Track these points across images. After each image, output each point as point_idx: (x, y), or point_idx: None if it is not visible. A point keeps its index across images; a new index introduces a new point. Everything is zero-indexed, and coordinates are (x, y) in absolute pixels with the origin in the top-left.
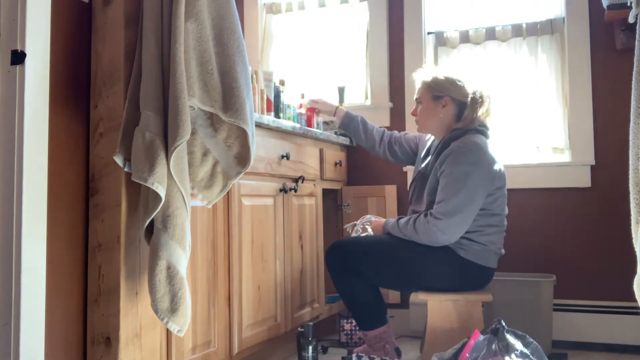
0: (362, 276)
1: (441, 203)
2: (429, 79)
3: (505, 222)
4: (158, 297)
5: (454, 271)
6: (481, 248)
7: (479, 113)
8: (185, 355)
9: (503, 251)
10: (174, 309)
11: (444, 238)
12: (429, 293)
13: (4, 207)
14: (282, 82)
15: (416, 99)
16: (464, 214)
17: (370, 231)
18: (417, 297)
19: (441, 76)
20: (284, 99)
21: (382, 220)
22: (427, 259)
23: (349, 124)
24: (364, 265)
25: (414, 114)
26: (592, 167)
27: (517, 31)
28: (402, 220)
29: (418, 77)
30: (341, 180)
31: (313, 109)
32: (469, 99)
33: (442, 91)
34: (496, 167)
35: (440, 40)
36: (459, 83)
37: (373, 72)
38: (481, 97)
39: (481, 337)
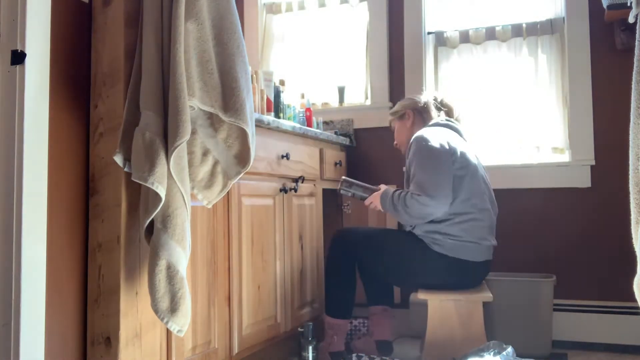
0: (363, 265)
1: (413, 181)
2: (390, 112)
3: (486, 213)
4: (158, 297)
5: (434, 267)
6: (455, 241)
7: (441, 114)
8: (185, 355)
9: (490, 243)
10: (174, 308)
11: (428, 211)
12: (429, 293)
13: (4, 207)
14: (282, 82)
15: (392, 131)
16: (438, 183)
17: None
18: (417, 297)
19: (397, 104)
20: (284, 99)
21: (380, 189)
22: (410, 255)
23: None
24: (367, 256)
25: (395, 144)
26: (592, 167)
27: (517, 31)
28: (397, 193)
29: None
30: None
31: (311, 110)
32: (425, 104)
33: (402, 110)
34: (454, 147)
35: (440, 40)
36: (414, 98)
37: (373, 72)
38: (441, 102)
39: None
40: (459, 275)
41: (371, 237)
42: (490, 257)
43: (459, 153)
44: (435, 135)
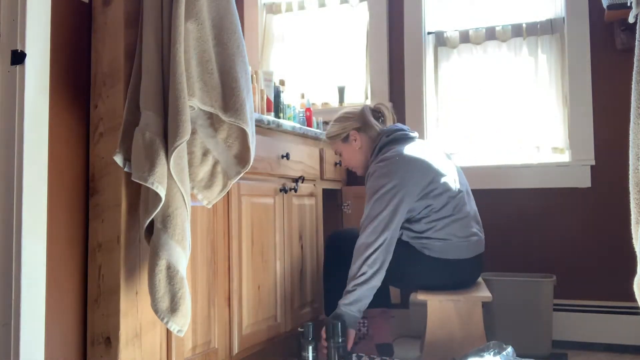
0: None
1: (363, 220)
2: (327, 135)
3: (463, 208)
4: (158, 297)
5: (427, 270)
6: (443, 243)
7: (385, 123)
8: (185, 355)
9: (478, 237)
10: (174, 308)
11: (364, 242)
12: (428, 293)
13: (4, 207)
14: (282, 82)
15: (337, 154)
16: (378, 220)
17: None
18: (417, 297)
19: (332, 125)
20: (284, 99)
21: (351, 333)
22: (403, 260)
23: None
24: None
25: (344, 167)
26: (592, 167)
27: (517, 31)
28: (348, 289)
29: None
30: (341, 180)
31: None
32: (362, 116)
33: (343, 132)
34: (415, 167)
35: (440, 40)
36: (347, 115)
37: (373, 72)
38: (374, 109)
39: None
40: (454, 275)
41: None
42: (482, 250)
43: (429, 169)
44: (403, 164)
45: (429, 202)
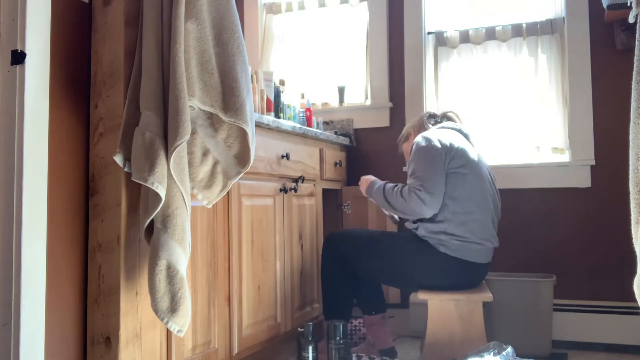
0: (355, 270)
1: (413, 176)
2: (398, 139)
3: (488, 215)
4: (158, 297)
5: (439, 268)
6: (461, 242)
7: (432, 123)
8: (185, 355)
9: (492, 245)
10: (174, 309)
11: (423, 209)
12: (429, 293)
13: (4, 207)
14: (282, 82)
15: (404, 155)
16: (435, 182)
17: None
18: (417, 297)
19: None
20: (284, 99)
21: (371, 178)
22: (414, 257)
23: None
24: (359, 261)
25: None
26: (592, 167)
27: (517, 31)
28: (389, 185)
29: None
30: (341, 180)
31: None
32: (423, 120)
33: (406, 132)
34: (451, 144)
35: (440, 40)
36: (413, 119)
37: (373, 72)
38: (434, 115)
39: None
40: (463, 277)
41: (365, 243)
42: (490, 260)
43: (459, 151)
44: (433, 135)
45: (458, 182)
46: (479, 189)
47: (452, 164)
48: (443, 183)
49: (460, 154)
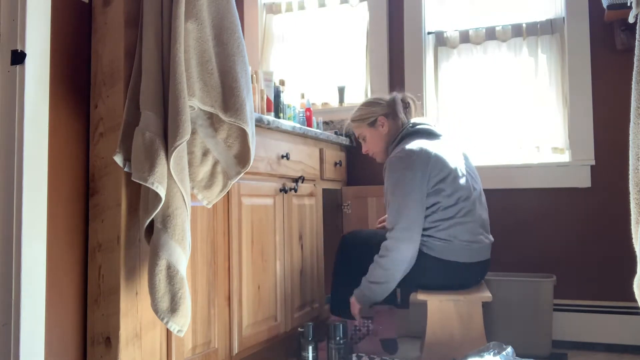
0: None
1: (388, 218)
2: (353, 118)
3: (470, 213)
4: (158, 297)
5: (428, 270)
6: (443, 243)
7: (410, 115)
8: (185, 355)
9: (483, 243)
10: (174, 309)
11: (404, 246)
12: (428, 293)
13: (4, 207)
14: (282, 82)
15: (360, 139)
16: (407, 216)
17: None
18: (417, 297)
19: (359, 109)
20: (284, 99)
21: (355, 300)
22: None
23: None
24: (365, 262)
25: (365, 152)
26: (592, 167)
27: (517, 31)
28: (365, 278)
29: (349, 124)
30: (341, 180)
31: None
32: (395, 105)
33: (372, 115)
34: (431, 162)
35: (440, 40)
36: (377, 100)
37: (373, 72)
38: (403, 99)
39: None
40: (453, 277)
41: (374, 240)
42: (487, 257)
43: (442, 164)
44: (418, 156)
45: (437, 199)
46: (459, 193)
47: (432, 182)
48: (420, 212)
49: (440, 168)
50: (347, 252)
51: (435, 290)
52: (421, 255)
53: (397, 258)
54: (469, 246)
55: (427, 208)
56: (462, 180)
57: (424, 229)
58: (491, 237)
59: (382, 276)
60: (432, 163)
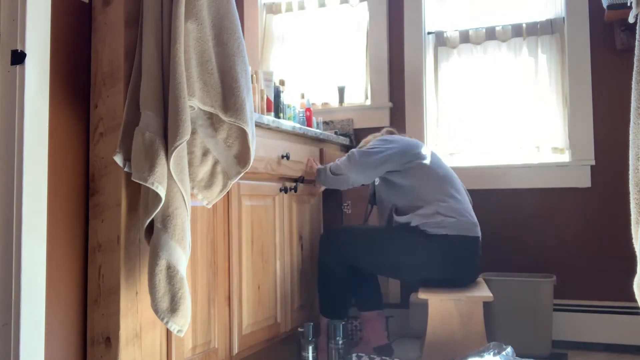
0: (354, 264)
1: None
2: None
3: (452, 201)
4: (158, 297)
5: (419, 245)
6: (454, 219)
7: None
8: (185, 355)
9: (469, 219)
10: (174, 309)
11: (348, 176)
12: (429, 292)
13: (4, 207)
14: (282, 82)
15: None
16: (370, 163)
17: None
18: (417, 296)
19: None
20: (284, 99)
21: (316, 167)
22: (411, 246)
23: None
24: (358, 254)
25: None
26: (592, 167)
27: (517, 31)
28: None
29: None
30: None
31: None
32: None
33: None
34: (409, 145)
35: (440, 40)
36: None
37: (373, 72)
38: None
39: None
40: (462, 251)
41: (363, 235)
42: (478, 234)
43: (416, 148)
44: (397, 137)
45: (414, 173)
46: (434, 172)
47: (412, 158)
48: (377, 172)
49: (417, 149)
50: (330, 247)
51: (437, 289)
52: (436, 238)
53: (345, 181)
54: (469, 220)
55: (406, 189)
56: (442, 169)
57: (430, 203)
58: (474, 218)
59: (334, 180)
60: (402, 140)
